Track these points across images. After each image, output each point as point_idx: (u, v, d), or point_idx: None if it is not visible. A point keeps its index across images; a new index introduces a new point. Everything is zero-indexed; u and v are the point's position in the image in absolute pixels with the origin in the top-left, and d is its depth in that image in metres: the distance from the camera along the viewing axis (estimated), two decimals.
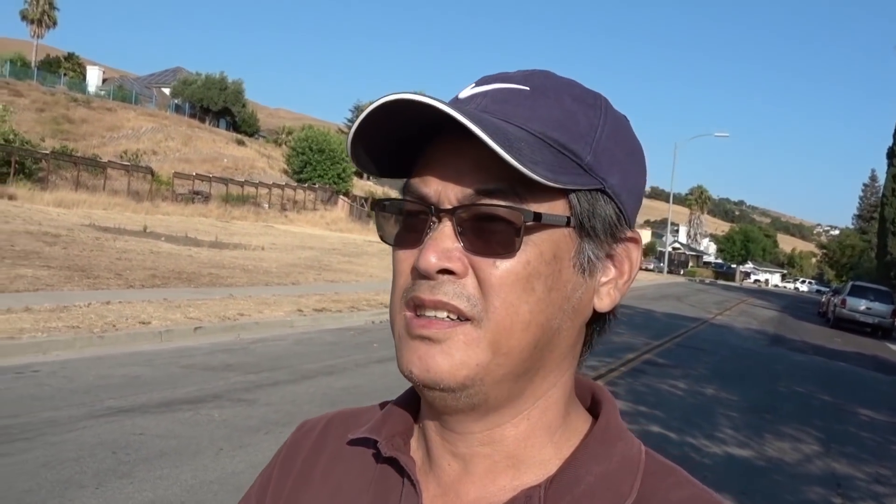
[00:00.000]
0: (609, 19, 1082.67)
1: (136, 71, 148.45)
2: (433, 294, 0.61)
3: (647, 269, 71.67)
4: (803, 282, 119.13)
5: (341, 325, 12.85)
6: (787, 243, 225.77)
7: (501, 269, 0.60)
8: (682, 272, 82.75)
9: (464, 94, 0.67)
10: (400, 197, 0.68)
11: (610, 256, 0.67)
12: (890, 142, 46.44)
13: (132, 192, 39.70)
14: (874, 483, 6.96)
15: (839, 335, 26.18)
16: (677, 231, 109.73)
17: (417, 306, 0.62)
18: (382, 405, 0.78)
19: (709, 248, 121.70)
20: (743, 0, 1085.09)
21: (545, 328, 0.62)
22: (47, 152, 37.05)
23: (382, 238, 0.68)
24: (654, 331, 17.72)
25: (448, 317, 0.61)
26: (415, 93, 0.58)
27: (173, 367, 8.10)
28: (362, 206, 58.98)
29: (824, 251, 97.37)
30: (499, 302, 0.60)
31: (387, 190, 53.20)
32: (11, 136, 34.36)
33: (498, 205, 0.60)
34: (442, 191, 0.62)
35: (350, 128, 0.64)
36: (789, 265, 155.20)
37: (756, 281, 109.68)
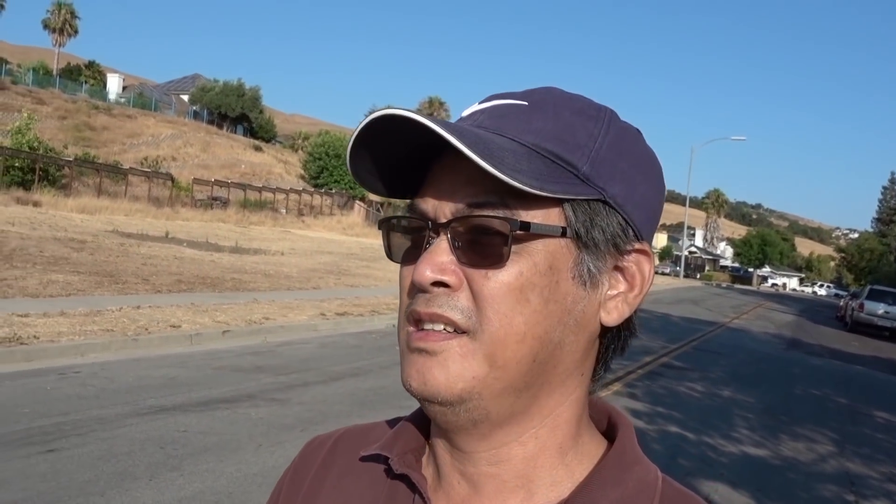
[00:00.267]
0: (627, 24, 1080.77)
1: (155, 78, 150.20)
2: (428, 307, 0.61)
3: (663, 273, 71.60)
4: (821, 286, 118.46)
5: (363, 328, 13.15)
6: (804, 247, 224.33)
7: (493, 280, 0.61)
8: (698, 276, 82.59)
9: (466, 111, 0.68)
10: (404, 215, 0.69)
11: (620, 269, 0.66)
12: None
13: (153, 199, 40.24)
14: (888, 482, 7.16)
15: (857, 339, 26.20)
16: (693, 235, 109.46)
17: (417, 320, 0.63)
18: (392, 422, 0.78)
19: (725, 251, 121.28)
20: (760, 4, 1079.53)
21: (543, 341, 0.62)
22: (70, 159, 37.64)
23: (389, 256, 0.70)
24: (671, 334, 17.90)
25: (445, 329, 0.61)
26: (402, 108, 0.59)
27: (206, 369, 8.42)
28: (378, 210, 59.36)
29: (842, 255, 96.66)
30: (492, 313, 0.60)
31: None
32: (36, 144, 34.90)
33: (486, 215, 0.61)
34: (438, 206, 0.64)
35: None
36: (807, 269, 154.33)
37: (773, 285, 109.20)
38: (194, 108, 77.99)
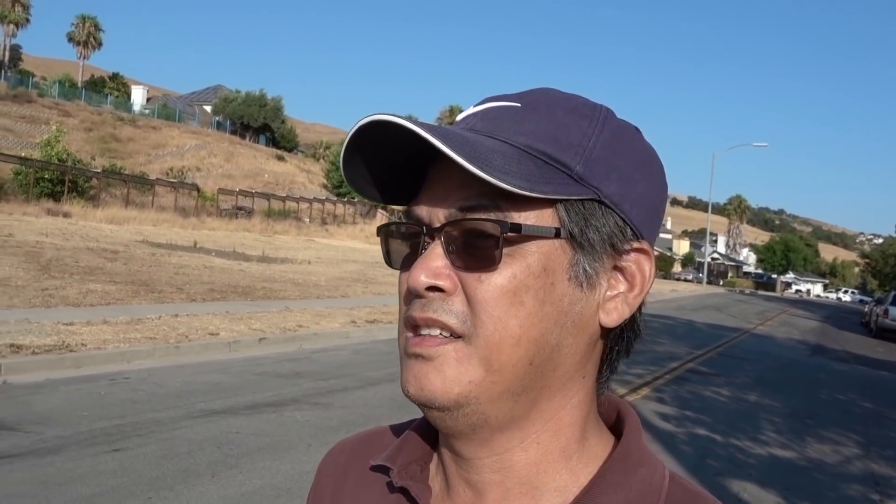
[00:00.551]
0: (648, 32, 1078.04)
1: (179, 89, 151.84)
2: (423, 311, 0.61)
3: (686, 280, 71.42)
4: (846, 292, 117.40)
5: (393, 335, 13.39)
6: (828, 252, 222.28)
7: (486, 283, 0.60)
8: (721, 283, 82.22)
9: (461, 115, 0.68)
10: (400, 221, 0.69)
11: (620, 269, 0.65)
12: None
13: (179, 209, 40.81)
14: None
15: (882, 345, 26.14)
16: (716, 241, 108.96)
17: (414, 326, 0.62)
18: (405, 425, 0.78)
19: (748, 258, 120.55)
20: (780, 13, 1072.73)
21: (539, 343, 0.61)
22: (98, 171, 38.31)
23: (388, 262, 0.69)
24: (696, 341, 18.05)
25: (441, 334, 0.61)
26: (390, 114, 0.59)
27: (248, 375, 8.74)
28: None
29: (867, 260, 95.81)
30: (486, 316, 0.60)
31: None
32: (64, 156, 35.60)
33: (477, 218, 0.60)
34: (432, 211, 0.63)
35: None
36: (831, 275, 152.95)
37: (797, 291, 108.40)
38: (217, 118, 78.97)
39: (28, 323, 9.89)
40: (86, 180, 36.78)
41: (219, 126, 76.82)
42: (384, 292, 20.19)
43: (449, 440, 0.66)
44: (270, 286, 18.42)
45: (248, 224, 43.19)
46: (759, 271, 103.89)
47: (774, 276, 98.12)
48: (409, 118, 0.58)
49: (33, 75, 75.54)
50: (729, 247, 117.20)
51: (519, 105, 0.65)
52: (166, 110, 73.41)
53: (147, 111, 72.06)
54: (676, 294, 43.30)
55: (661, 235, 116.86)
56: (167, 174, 49.43)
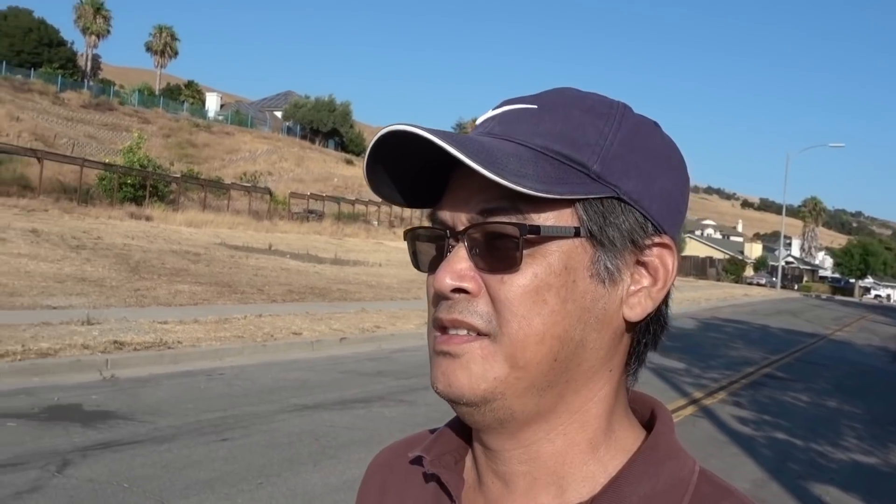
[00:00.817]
0: (724, 32, 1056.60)
1: (250, 96, 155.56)
2: (450, 313, 0.63)
3: (759, 284, 69.80)
4: None
5: None
6: None
7: (509, 283, 0.62)
8: (795, 287, 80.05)
9: (481, 118, 0.70)
10: (426, 225, 0.71)
11: (642, 264, 0.66)
12: None
13: (252, 212, 41.94)
14: None
15: None
16: (790, 244, 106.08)
17: (441, 327, 0.64)
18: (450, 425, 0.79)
19: (824, 262, 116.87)
20: (855, 15, 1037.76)
21: (563, 340, 0.62)
22: (177, 176, 39.72)
23: (416, 265, 0.71)
24: (772, 346, 17.79)
25: (468, 333, 0.63)
26: (409, 124, 0.60)
27: (333, 373, 9.11)
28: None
29: None
30: (510, 316, 0.61)
31: None
32: (146, 162, 37.02)
33: (497, 221, 0.62)
34: (455, 215, 0.65)
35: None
36: None
37: (877, 296, 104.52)
38: (288, 123, 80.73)
39: (126, 321, 10.47)
40: (165, 185, 38.15)
41: (289, 131, 78.53)
42: None
43: (478, 433, 0.68)
44: (345, 288, 18.91)
45: (319, 227, 44.03)
46: (836, 275, 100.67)
47: (852, 280, 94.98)
48: (429, 128, 0.60)
49: (114, 84, 78.58)
50: (804, 250, 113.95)
51: (535, 107, 0.66)
52: (239, 116, 75.48)
53: (221, 117, 74.24)
54: (749, 298, 42.42)
55: (733, 239, 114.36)
56: (241, 178, 50.82)
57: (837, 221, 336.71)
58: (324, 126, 79.65)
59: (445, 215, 0.66)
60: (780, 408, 9.83)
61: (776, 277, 67.93)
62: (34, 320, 9.79)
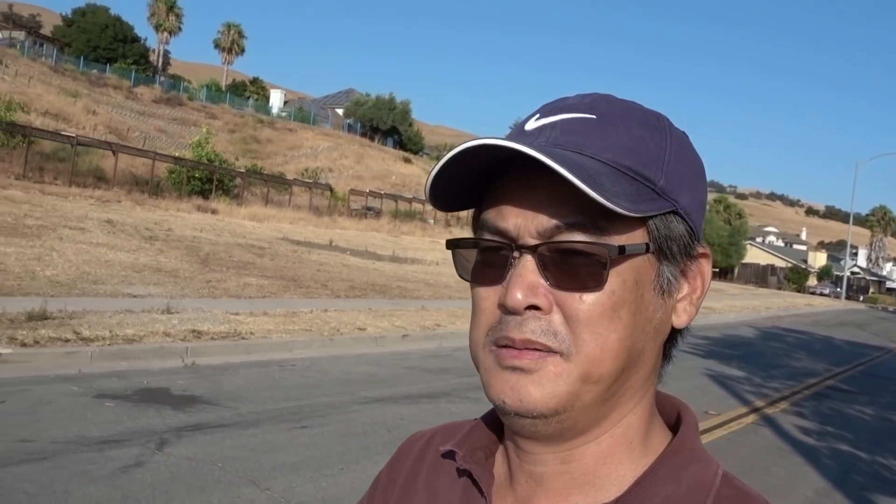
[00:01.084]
0: (789, 32, 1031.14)
1: (313, 93, 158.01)
2: (521, 332, 0.62)
3: (822, 295, 68.15)
4: None
5: None
6: None
7: (588, 302, 0.62)
8: (861, 298, 77.92)
9: (529, 125, 0.68)
10: (473, 233, 0.69)
11: (683, 273, 0.68)
12: None
13: (313, 208, 42.69)
14: None
15: None
16: (856, 254, 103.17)
17: (506, 346, 0.63)
18: (483, 418, 0.79)
19: (893, 273, 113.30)
20: None
21: (632, 352, 0.64)
22: (242, 171, 40.69)
23: (461, 275, 0.69)
24: (835, 357, 17.52)
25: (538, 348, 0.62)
26: (494, 137, 0.60)
27: (398, 368, 9.40)
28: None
29: None
30: (588, 335, 0.61)
31: None
32: (213, 157, 38.03)
33: (582, 241, 0.62)
34: (522, 224, 0.63)
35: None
36: None
37: None
38: (348, 121, 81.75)
39: (202, 311, 10.94)
40: (230, 179, 39.10)
41: (350, 128, 79.53)
42: None
43: (517, 437, 0.68)
44: (404, 285, 19.25)
45: (377, 224, 44.56)
46: None
47: None
48: (517, 142, 0.60)
49: (183, 80, 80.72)
50: (871, 260, 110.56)
51: (594, 117, 0.66)
52: (301, 113, 76.75)
53: (284, 114, 75.58)
54: (812, 309, 41.58)
55: (796, 247, 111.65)
56: (302, 174, 51.73)
57: None
58: (383, 124, 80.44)
59: (507, 224, 0.64)
60: (844, 420, 9.77)
61: (841, 288, 66.27)
62: (118, 307, 10.32)
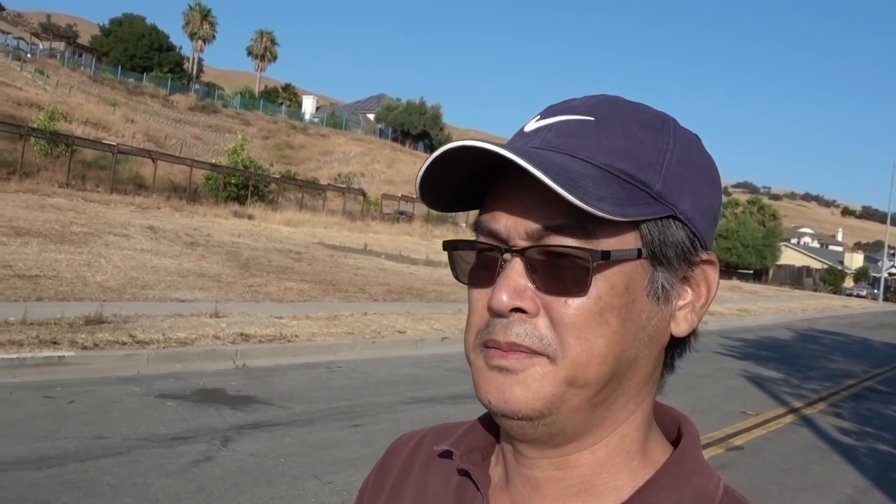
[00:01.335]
0: (828, 35, 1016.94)
1: (344, 98, 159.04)
2: (506, 335, 0.61)
3: (859, 296, 67.18)
4: None
5: None
6: None
7: (573, 307, 0.61)
8: None
9: (529, 126, 0.68)
10: (472, 235, 0.69)
11: (686, 280, 0.66)
12: None
13: (346, 212, 43.14)
14: None
15: None
16: (894, 255, 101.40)
17: (494, 347, 0.62)
18: (479, 420, 0.79)
19: None
20: None
21: (621, 359, 0.62)
22: (277, 177, 41.27)
23: (456, 277, 0.69)
24: (873, 359, 17.44)
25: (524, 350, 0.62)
26: (478, 141, 0.59)
27: (440, 370, 9.65)
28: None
29: None
30: (573, 339, 0.61)
31: None
32: (248, 163, 38.67)
33: (566, 245, 0.61)
34: (513, 226, 0.63)
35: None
36: None
37: None
38: (380, 126, 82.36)
39: (247, 315, 11.29)
40: (265, 185, 39.69)
41: (381, 133, 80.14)
42: None
43: (513, 441, 0.67)
44: (440, 289, 19.50)
45: (409, 228, 44.84)
46: None
47: None
48: (502, 145, 0.60)
49: (218, 87, 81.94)
50: None
51: (592, 119, 0.65)
52: (333, 118, 77.52)
53: (316, 119, 76.40)
54: (848, 310, 41.11)
55: (832, 248, 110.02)
56: (335, 179, 52.29)
57: None
58: (414, 128, 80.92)
59: (498, 226, 0.64)
60: (883, 420, 9.82)
61: (878, 289, 65.29)
62: (168, 311, 10.70)
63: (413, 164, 67.98)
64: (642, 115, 0.66)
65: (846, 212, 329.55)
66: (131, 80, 62.28)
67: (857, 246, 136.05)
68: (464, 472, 0.73)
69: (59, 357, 7.56)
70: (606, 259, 0.61)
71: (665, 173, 0.64)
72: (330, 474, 5.01)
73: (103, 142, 33.44)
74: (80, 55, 67.18)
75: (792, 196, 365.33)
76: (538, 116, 0.69)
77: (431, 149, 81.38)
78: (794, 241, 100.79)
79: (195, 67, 79.63)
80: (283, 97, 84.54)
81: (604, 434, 0.66)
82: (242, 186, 37.34)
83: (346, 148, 66.52)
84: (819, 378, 13.07)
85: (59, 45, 68.42)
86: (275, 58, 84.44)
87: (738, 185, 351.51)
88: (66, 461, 4.75)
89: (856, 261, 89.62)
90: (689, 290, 0.67)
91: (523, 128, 0.69)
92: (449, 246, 0.70)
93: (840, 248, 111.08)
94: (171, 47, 74.84)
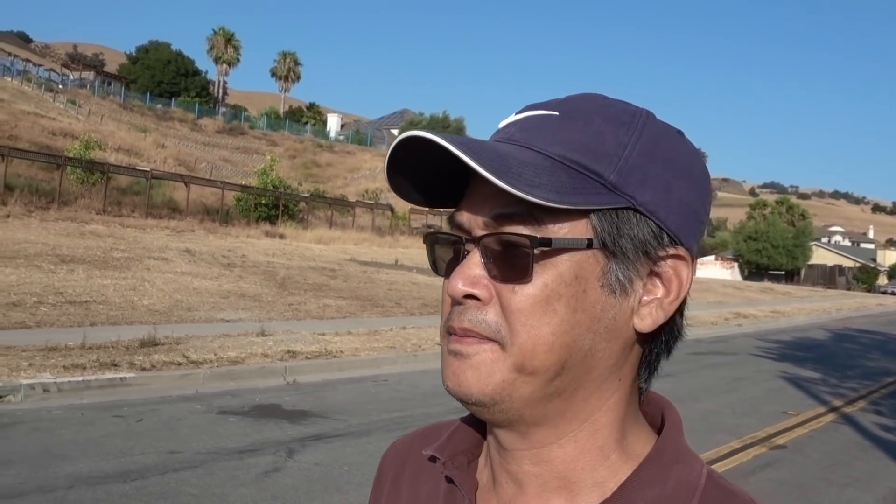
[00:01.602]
0: (853, 34, 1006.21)
1: (368, 115, 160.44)
2: (460, 322, 0.63)
3: (893, 294, 66.26)
4: None
5: None
6: None
7: (520, 294, 0.62)
8: None
9: (502, 123, 0.69)
10: (444, 230, 0.71)
11: (656, 275, 0.65)
12: None
13: (375, 228, 43.51)
14: None
15: None
16: None
17: (452, 334, 0.65)
18: (463, 420, 0.78)
19: None
20: None
21: (572, 349, 0.62)
22: (307, 195, 41.83)
23: (434, 269, 0.71)
24: None
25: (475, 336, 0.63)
26: (424, 131, 0.60)
27: None
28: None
29: None
30: (519, 326, 0.61)
31: None
32: (277, 183, 39.26)
33: (510, 232, 0.62)
34: (472, 217, 0.65)
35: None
36: None
37: None
38: None
39: (291, 333, 11.63)
40: (295, 204, 40.24)
41: None
42: None
43: (492, 430, 0.68)
44: None
45: None
46: None
47: None
48: (445, 134, 0.60)
49: (243, 109, 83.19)
50: None
51: (557, 114, 0.66)
52: (358, 135, 78.34)
53: (342, 137, 77.23)
54: (884, 308, 40.64)
55: (863, 245, 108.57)
56: (363, 196, 52.77)
57: None
58: None
59: (463, 218, 0.66)
60: None
61: None
62: (216, 332, 11.07)
63: None
64: (610, 110, 0.66)
65: (877, 208, 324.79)
66: (159, 105, 63.58)
67: (890, 242, 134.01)
68: (448, 477, 0.73)
69: (121, 378, 7.93)
70: (547, 246, 0.61)
71: (622, 164, 0.63)
72: None
73: (137, 168, 34.20)
74: (109, 83, 68.65)
75: (820, 194, 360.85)
76: (513, 114, 0.70)
77: None
78: (824, 240, 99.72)
79: (220, 91, 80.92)
80: (307, 116, 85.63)
81: (569, 428, 0.66)
82: (273, 206, 37.85)
83: (372, 164, 67.08)
84: (858, 377, 13.10)
85: (89, 75, 69.95)
86: (298, 78, 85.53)
87: (764, 186, 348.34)
88: (148, 474, 5.08)
89: (889, 258, 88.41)
90: (660, 286, 0.66)
91: (499, 125, 0.71)
92: (426, 241, 0.72)
93: (872, 246, 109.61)
94: (196, 72, 76.21)
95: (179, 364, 8.84)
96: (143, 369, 8.36)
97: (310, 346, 10.73)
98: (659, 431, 0.71)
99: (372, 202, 48.67)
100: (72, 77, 68.05)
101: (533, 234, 0.61)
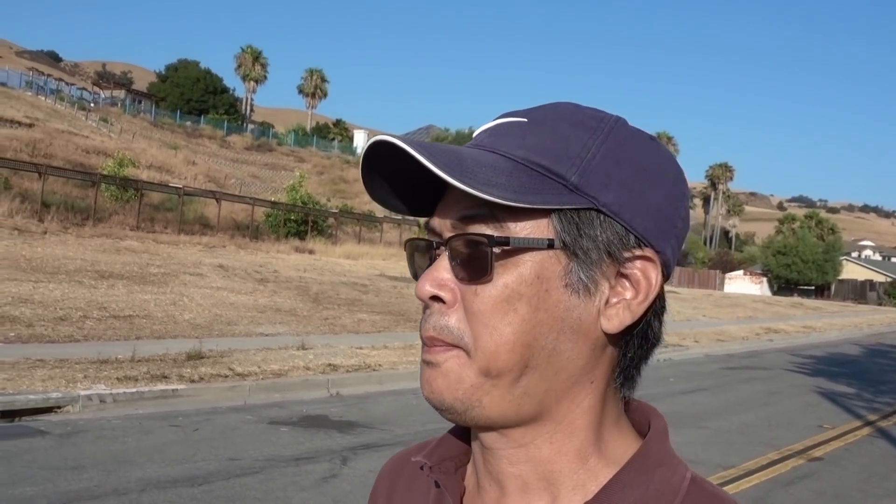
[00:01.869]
0: (873, 29, 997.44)
1: (394, 130, 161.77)
2: (426, 330, 0.64)
3: None
4: None
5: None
6: None
7: (480, 295, 0.62)
8: None
9: (476, 132, 0.70)
10: (420, 238, 0.71)
11: (624, 276, 0.65)
12: None
13: (403, 243, 43.64)
14: None
15: None
16: None
17: (424, 344, 0.65)
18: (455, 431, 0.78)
19: None
20: None
21: (534, 347, 0.62)
22: (335, 211, 42.27)
23: (414, 276, 0.71)
24: None
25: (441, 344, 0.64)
26: (389, 135, 0.61)
27: None
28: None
29: None
30: (482, 328, 0.62)
31: None
32: (306, 199, 39.75)
33: (469, 232, 0.63)
34: (442, 222, 0.66)
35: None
36: None
37: None
38: None
39: (330, 347, 11.90)
40: (324, 220, 40.68)
41: None
42: None
43: (474, 430, 0.69)
44: None
45: None
46: None
47: None
48: (407, 139, 0.60)
49: (271, 126, 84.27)
50: None
51: (525, 121, 0.67)
52: None
53: None
54: None
55: (894, 260, 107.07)
56: (390, 211, 53.14)
57: None
58: None
59: (435, 223, 0.67)
60: None
61: None
62: (257, 346, 11.37)
63: None
64: (578, 116, 0.67)
65: None
66: (189, 123, 64.65)
67: None
68: (436, 482, 0.74)
69: (172, 390, 8.22)
70: (505, 245, 0.61)
71: (585, 166, 0.63)
72: None
73: (169, 185, 34.84)
74: (140, 101, 69.97)
75: (850, 208, 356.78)
76: (489, 122, 0.70)
77: None
78: (854, 254, 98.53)
79: (248, 108, 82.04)
80: (334, 133, 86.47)
81: (544, 430, 0.66)
82: (302, 222, 38.29)
83: None
84: (892, 392, 13.09)
85: (119, 93, 71.34)
86: (325, 95, 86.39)
87: (793, 200, 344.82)
88: (212, 479, 5.34)
89: None
90: (629, 287, 0.65)
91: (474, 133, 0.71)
92: (406, 248, 0.73)
93: None
94: (224, 89, 77.39)
95: (226, 376, 9.13)
96: (193, 381, 8.65)
97: (349, 360, 10.98)
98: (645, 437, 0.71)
99: (399, 218, 49.02)
100: (102, 95, 69.43)
101: (494, 233, 0.62)
